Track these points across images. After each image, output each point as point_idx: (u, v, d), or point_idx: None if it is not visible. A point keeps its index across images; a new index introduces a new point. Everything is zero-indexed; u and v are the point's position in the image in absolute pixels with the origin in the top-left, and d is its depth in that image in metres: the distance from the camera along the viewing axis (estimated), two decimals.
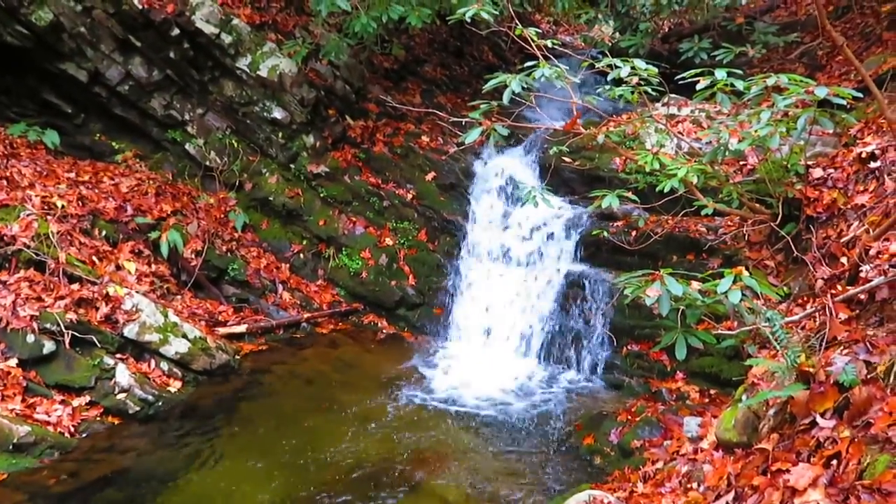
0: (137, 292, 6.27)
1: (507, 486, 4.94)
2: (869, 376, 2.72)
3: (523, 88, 4.82)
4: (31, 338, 5.44)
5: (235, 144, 8.36)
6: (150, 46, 7.64)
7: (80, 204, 6.76)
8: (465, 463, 5.24)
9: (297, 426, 5.64)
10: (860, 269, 4.00)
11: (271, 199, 8.35)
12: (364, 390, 6.36)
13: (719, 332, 3.94)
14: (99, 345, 5.75)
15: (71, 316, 5.64)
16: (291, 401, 6.08)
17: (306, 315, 7.71)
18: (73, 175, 7.20)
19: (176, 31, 7.55)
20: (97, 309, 5.93)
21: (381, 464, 5.17)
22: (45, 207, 6.39)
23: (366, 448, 5.38)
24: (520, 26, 5.12)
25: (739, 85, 4.42)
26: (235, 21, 7.89)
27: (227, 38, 7.80)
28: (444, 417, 5.97)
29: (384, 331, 7.83)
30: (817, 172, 5.73)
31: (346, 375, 6.65)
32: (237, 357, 6.69)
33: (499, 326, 7.52)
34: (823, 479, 2.36)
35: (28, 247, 5.87)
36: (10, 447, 4.87)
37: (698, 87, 4.59)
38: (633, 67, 4.74)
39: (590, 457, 5.34)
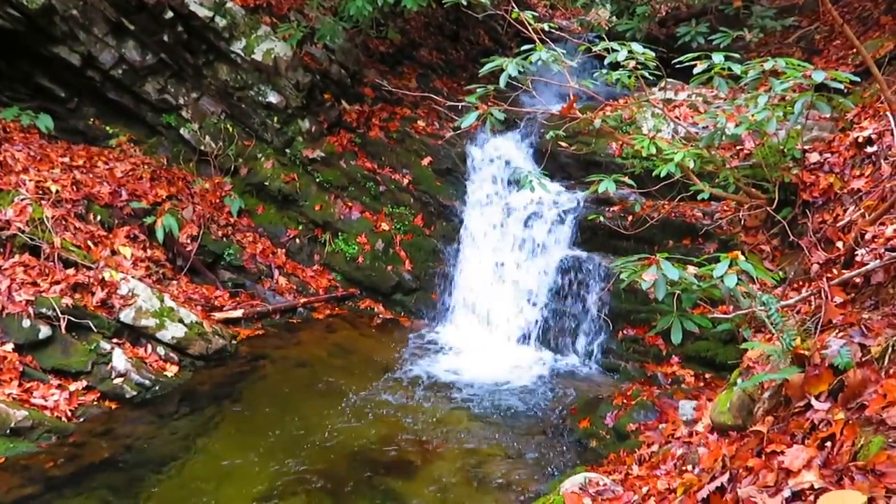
0: (133, 277, 6.26)
1: (503, 469, 4.98)
2: (863, 359, 2.74)
3: (520, 72, 4.80)
4: (26, 322, 5.43)
5: (230, 129, 8.32)
6: (144, 30, 7.57)
7: (75, 189, 6.73)
8: (461, 445, 5.27)
9: (293, 410, 5.66)
10: (856, 252, 4.01)
11: (267, 183, 8.32)
12: (361, 375, 6.38)
13: (715, 316, 3.95)
14: (95, 329, 5.75)
15: (67, 301, 5.63)
16: (288, 385, 6.10)
17: (302, 300, 7.71)
18: (67, 160, 7.16)
19: (169, 14, 7.48)
20: (93, 294, 5.93)
21: (378, 447, 5.20)
22: (40, 192, 6.36)
23: (362, 432, 5.40)
24: (516, 9, 5.08)
25: (737, 69, 4.40)
26: (229, 4, 7.81)
27: (221, 22, 7.73)
28: (441, 401, 5.99)
29: (381, 316, 7.85)
30: (814, 157, 5.73)
31: (343, 360, 6.67)
32: (234, 342, 6.70)
33: (495, 311, 7.53)
34: (817, 461, 2.38)
35: (23, 231, 5.85)
36: (8, 431, 4.88)
37: (695, 71, 4.57)
38: (629, 51, 4.71)
39: (586, 440, 5.38)
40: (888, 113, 5.22)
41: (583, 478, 3.89)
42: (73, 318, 5.62)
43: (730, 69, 4.44)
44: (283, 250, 8.23)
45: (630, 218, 6.81)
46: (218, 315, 6.99)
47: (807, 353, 2.90)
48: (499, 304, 7.54)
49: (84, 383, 5.54)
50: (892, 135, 4.75)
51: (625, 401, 5.57)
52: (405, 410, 5.79)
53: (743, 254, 3.60)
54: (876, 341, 2.78)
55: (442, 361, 6.81)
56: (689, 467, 3.62)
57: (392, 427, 5.51)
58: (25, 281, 5.64)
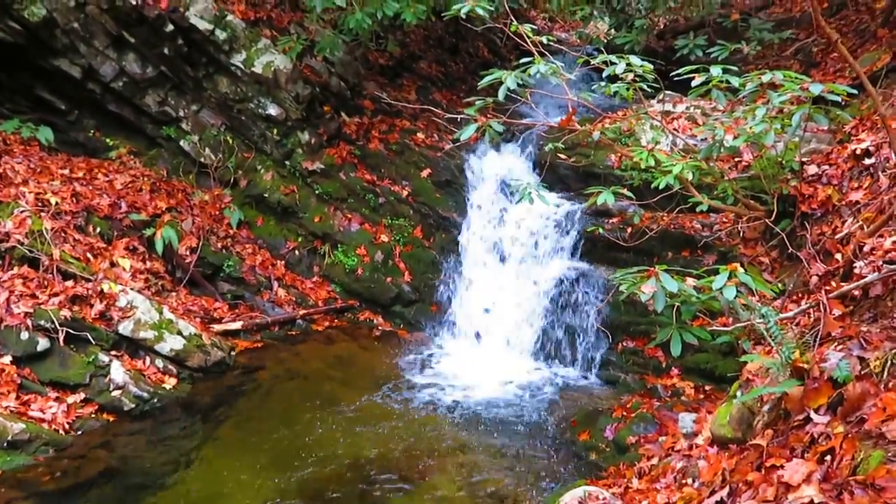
0: (132, 289, 6.25)
1: (502, 482, 4.95)
2: (862, 372, 2.73)
3: (519, 85, 4.81)
4: (25, 335, 5.42)
5: (230, 141, 8.34)
6: (144, 42, 7.60)
7: (75, 201, 6.73)
8: (460, 459, 5.24)
9: (292, 423, 5.64)
10: (854, 265, 4.01)
11: (266, 195, 8.33)
12: (360, 387, 6.36)
13: (714, 328, 3.95)
14: (93, 342, 5.74)
15: (65, 313, 5.62)
16: (287, 398, 6.08)
17: (302, 312, 7.70)
18: (67, 172, 7.17)
19: (170, 27, 7.51)
20: (91, 306, 5.92)
21: (377, 460, 5.17)
22: (39, 204, 6.36)
23: (361, 445, 5.38)
24: (515, 22, 5.11)
25: (734, 82, 4.42)
26: (230, 17, 7.85)
27: (221, 35, 7.77)
28: (440, 414, 5.97)
29: (380, 328, 7.83)
30: (812, 169, 5.75)
31: (342, 372, 6.65)
32: (232, 354, 6.68)
33: (494, 323, 7.52)
34: (817, 475, 2.37)
35: (22, 244, 5.85)
36: (5, 444, 4.86)
37: (693, 83, 4.59)
38: (628, 64, 4.73)
39: (585, 453, 5.36)
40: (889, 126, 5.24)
41: (582, 491, 3.88)
42: (71, 331, 5.61)
43: (728, 82, 4.46)
44: (283, 262, 8.22)
45: (629, 230, 6.82)
46: (217, 327, 6.98)
47: (806, 366, 2.90)
48: (498, 317, 7.52)
49: (82, 396, 5.52)
50: (890, 147, 4.76)
51: (625, 413, 5.55)
52: (404, 423, 5.77)
53: (742, 266, 3.61)
54: (875, 354, 2.78)
55: (441, 374, 6.79)
56: (689, 481, 3.60)
57: (391, 440, 5.48)
58: (24, 293, 5.63)
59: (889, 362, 2.68)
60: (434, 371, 6.85)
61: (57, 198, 6.52)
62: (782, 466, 2.53)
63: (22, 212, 6.08)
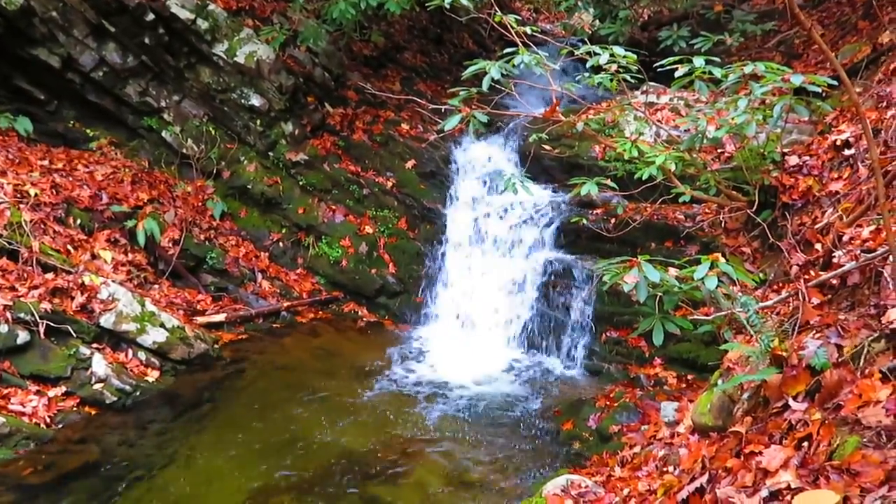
0: (114, 281, 6.20)
1: (487, 471, 4.97)
2: (840, 359, 2.77)
3: (503, 75, 4.80)
4: (4, 328, 5.35)
5: (213, 132, 8.27)
6: (125, 32, 7.51)
7: (54, 192, 6.65)
8: (445, 449, 5.26)
9: (276, 415, 5.63)
10: (833, 254, 4.05)
11: (250, 187, 8.28)
12: (344, 378, 6.35)
13: (696, 317, 3.97)
14: (75, 334, 5.68)
15: (45, 305, 5.56)
16: (271, 390, 6.05)
17: (286, 304, 7.67)
18: (46, 163, 7.08)
19: (151, 16, 7.43)
20: (72, 298, 5.86)
21: (362, 452, 5.18)
22: (18, 195, 6.28)
23: (346, 436, 5.38)
24: (499, 13, 5.09)
25: (717, 73, 4.44)
26: (212, 6, 7.77)
27: (203, 24, 7.69)
28: (424, 405, 5.98)
29: (364, 319, 7.82)
30: (793, 160, 5.79)
31: (327, 364, 6.64)
32: (216, 346, 6.64)
33: (479, 314, 7.53)
34: (794, 461, 2.40)
35: (1, 235, 5.77)
36: None
37: (677, 74, 4.59)
38: (612, 55, 4.73)
39: (569, 442, 5.39)
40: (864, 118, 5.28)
41: (565, 480, 3.90)
42: (51, 323, 5.55)
43: (711, 73, 4.47)
44: (267, 254, 8.18)
45: (613, 220, 6.85)
46: (200, 319, 6.93)
47: (785, 354, 2.93)
48: (482, 307, 7.54)
49: (63, 389, 5.46)
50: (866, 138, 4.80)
51: (608, 403, 5.59)
52: (388, 414, 5.77)
53: (724, 256, 3.64)
54: (852, 342, 2.81)
55: (425, 364, 6.80)
56: (670, 468, 3.64)
57: (375, 431, 5.49)
58: (3, 286, 5.56)
59: (865, 349, 2.72)
60: (418, 362, 6.86)
61: (36, 189, 6.44)
62: (761, 453, 2.56)
63: (0, 203, 6.00)
